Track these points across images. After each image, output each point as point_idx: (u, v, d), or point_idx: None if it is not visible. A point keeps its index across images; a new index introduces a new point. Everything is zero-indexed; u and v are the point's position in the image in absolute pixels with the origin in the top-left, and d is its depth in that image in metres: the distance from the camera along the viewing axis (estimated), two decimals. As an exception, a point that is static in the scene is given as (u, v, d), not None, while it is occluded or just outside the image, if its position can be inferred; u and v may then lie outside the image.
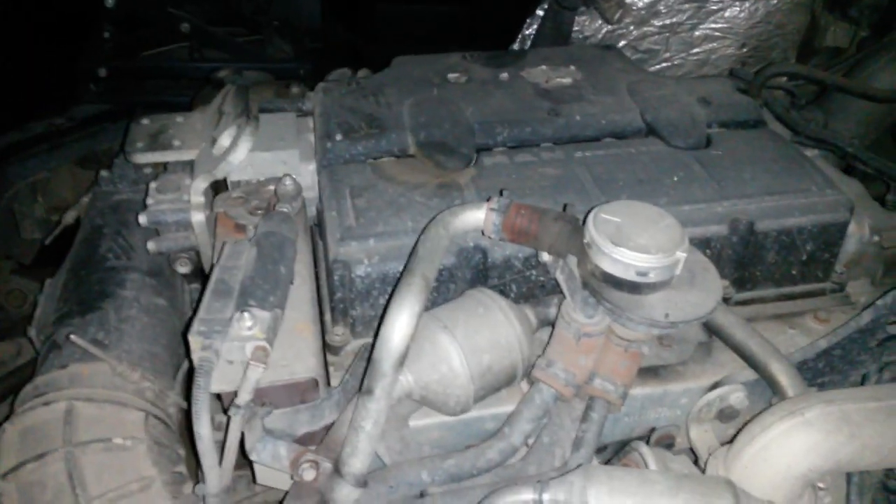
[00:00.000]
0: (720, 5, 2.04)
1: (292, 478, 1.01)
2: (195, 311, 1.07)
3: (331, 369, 1.22)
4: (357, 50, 3.49)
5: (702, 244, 1.27)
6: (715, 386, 1.18)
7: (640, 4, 1.96)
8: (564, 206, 1.12)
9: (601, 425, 1.08)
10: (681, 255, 0.98)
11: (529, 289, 1.26)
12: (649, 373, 1.20)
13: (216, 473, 1.03)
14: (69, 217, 1.84)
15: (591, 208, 1.05)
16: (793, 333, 1.30)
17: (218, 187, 1.50)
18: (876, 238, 1.43)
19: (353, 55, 3.45)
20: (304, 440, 1.08)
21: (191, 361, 1.03)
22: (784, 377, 1.09)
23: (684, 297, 1.01)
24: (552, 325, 1.14)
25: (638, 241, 0.98)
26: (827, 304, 1.37)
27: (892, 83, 1.73)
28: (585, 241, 1.02)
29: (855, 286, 1.43)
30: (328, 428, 1.08)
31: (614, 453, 1.19)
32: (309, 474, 1.00)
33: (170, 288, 1.53)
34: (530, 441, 1.10)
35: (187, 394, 1.41)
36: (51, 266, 1.81)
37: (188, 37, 2.59)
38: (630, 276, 0.98)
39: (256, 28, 2.87)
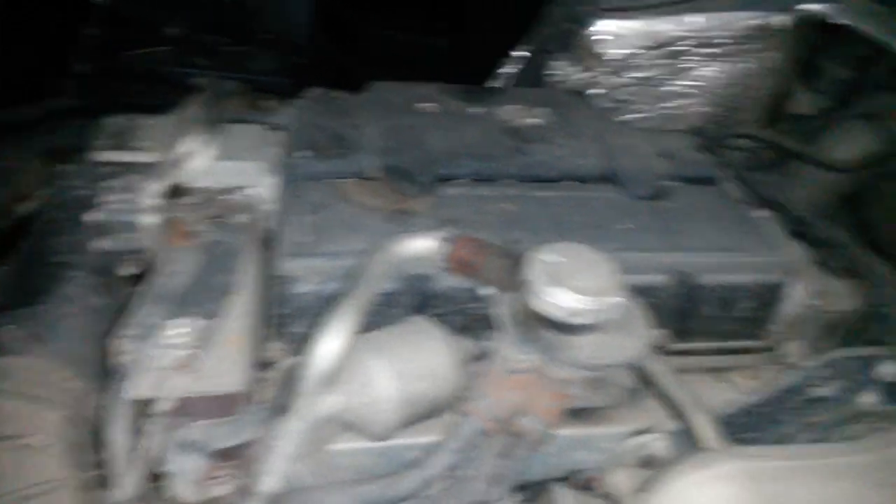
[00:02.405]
0: (694, 64, 2.10)
1: (204, 492, 1.00)
2: (128, 313, 1.06)
3: (263, 385, 1.21)
4: (344, 72, 3.53)
5: (644, 292, 1.29)
6: (640, 433, 1.19)
7: (616, 56, 2.01)
8: (510, 243, 1.14)
9: (523, 463, 1.09)
10: (614, 300, 1.00)
11: (471, 321, 1.27)
12: (576, 414, 1.20)
13: (128, 481, 1.02)
14: (26, 208, 1.83)
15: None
16: (723, 388, 1.32)
17: (178, 193, 1.50)
18: (814, 302, 1.46)
19: (341, 77, 3.49)
20: (223, 455, 1.07)
21: (115, 364, 1.03)
22: (705, 429, 1.11)
23: (613, 342, 1.02)
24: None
25: (573, 283, 0.99)
26: (760, 362, 1.40)
27: (847, 154, 1.78)
28: (525, 278, 1.03)
29: (790, 347, 1.45)
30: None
31: (534, 493, 1.19)
32: (221, 489, 0.99)
33: (113, 289, 1.52)
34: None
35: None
36: (2, 257, 1.80)
37: (174, 41, 2.61)
38: (562, 316, 0.99)
39: (244, 39, 2.90)
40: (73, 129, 2.23)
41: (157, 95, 2.52)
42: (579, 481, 1.17)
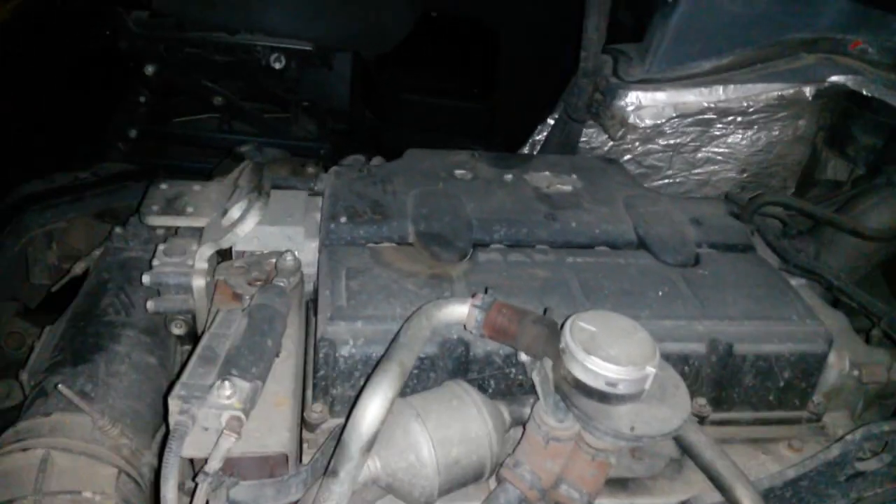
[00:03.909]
0: (723, 131, 2.14)
1: (250, 551, 1.01)
2: (179, 373, 1.10)
3: (305, 446, 1.24)
4: (378, 135, 3.65)
5: (680, 360, 1.30)
6: (682, 504, 1.18)
7: (646, 124, 2.07)
8: (545, 310, 1.16)
9: (564, 532, 1.08)
10: (651, 370, 1.01)
11: (508, 386, 1.29)
12: (618, 484, 1.20)
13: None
14: (79, 268, 1.90)
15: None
16: (765, 459, 1.30)
17: (224, 256, 1.56)
18: (855, 372, 1.45)
19: (375, 140, 3.61)
20: (268, 514, 1.09)
21: (167, 424, 1.06)
22: (747, 502, 1.10)
23: (652, 412, 1.03)
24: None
25: (610, 352, 1.01)
26: (802, 433, 1.38)
27: (880, 222, 1.79)
28: (561, 346, 1.05)
29: (834, 418, 1.44)
30: (293, 505, 1.09)
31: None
32: (266, 549, 1.00)
33: (163, 348, 1.57)
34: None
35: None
36: (54, 313, 1.87)
37: (219, 109, 2.73)
38: (600, 385, 1.01)
39: (285, 106, 3.03)
40: (123, 192, 2.34)
41: (204, 160, 2.66)
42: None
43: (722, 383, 1.34)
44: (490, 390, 1.28)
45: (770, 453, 1.31)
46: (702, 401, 1.35)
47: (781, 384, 1.36)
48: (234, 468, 1.08)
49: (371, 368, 1.23)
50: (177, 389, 1.07)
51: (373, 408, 0.99)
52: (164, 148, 2.73)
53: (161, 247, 1.51)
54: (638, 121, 2.02)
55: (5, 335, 2.13)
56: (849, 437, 1.15)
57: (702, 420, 1.35)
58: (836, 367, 1.43)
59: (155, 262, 1.48)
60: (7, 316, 2.19)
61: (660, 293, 1.41)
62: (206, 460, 1.04)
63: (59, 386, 1.26)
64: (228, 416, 1.04)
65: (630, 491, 1.20)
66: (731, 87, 1.99)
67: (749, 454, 1.31)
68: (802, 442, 1.33)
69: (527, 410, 1.21)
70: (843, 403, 1.46)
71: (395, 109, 3.78)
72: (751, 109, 2.10)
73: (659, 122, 2.03)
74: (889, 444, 1.18)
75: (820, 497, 1.19)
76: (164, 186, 1.70)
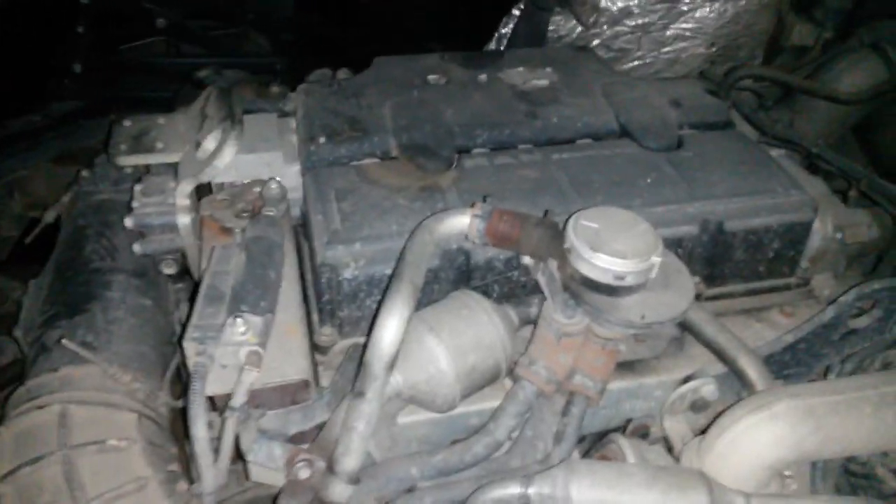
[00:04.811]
0: (690, 6, 2.10)
1: (287, 476, 1.05)
2: (189, 316, 1.10)
3: (319, 368, 1.26)
4: (332, 41, 3.48)
5: (674, 243, 1.33)
6: (687, 379, 1.24)
7: (618, 6, 2.01)
8: (545, 213, 1.17)
9: (581, 419, 1.14)
10: (655, 259, 1.03)
11: (511, 289, 1.31)
12: (625, 367, 1.26)
13: (212, 473, 1.06)
14: (49, 216, 1.84)
15: (571, 214, 1.10)
16: (760, 327, 1.37)
17: (201, 189, 1.52)
18: (839, 235, 1.50)
19: (329, 47, 3.45)
20: (296, 439, 1.11)
21: (186, 366, 1.07)
22: (752, 371, 1.16)
23: (658, 299, 1.06)
24: (533, 323, 1.19)
25: (615, 247, 1.03)
26: (792, 298, 1.45)
27: (853, 85, 1.80)
28: (566, 246, 1.07)
29: (819, 280, 1.50)
30: (319, 427, 1.12)
31: (592, 444, 1.24)
32: (303, 473, 1.04)
33: (155, 288, 1.55)
34: (514, 435, 1.15)
35: (177, 393, 1.45)
36: (27, 264, 1.81)
37: (164, 32, 2.58)
38: (608, 279, 1.03)
39: (232, 21, 2.87)
40: (79, 132, 2.23)
41: (155, 87, 2.53)
42: (635, 429, 1.23)
43: (714, 261, 1.38)
44: (494, 295, 1.30)
45: (764, 321, 1.38)
46: (696, 279, 1.39)
47: (771, 255, 1.40)
48: (257, 399, 1.10)
49: (376, 287, 1.24)
50: (190, 332, 1.06)
51: (391, 328, 1.00)
52: (113, 79, 2.58)
53: (138, 187, 1.46)
54: (610, 3, 1.96)
55: (-16, 293, 2.09)
56: (842, 298, 1.21)
57: (697, 297, 1.39)
58: (821, 231, 1.48)
59: (135, 204, 1.44)
60: (-19, 273, 2.13)
61: (648, 180, 1.42)
62: (229, 396, 1.06)
63: (63, 341, 1.24)
64: (247, 352, 1.04)
65: (637, 372, 1.25)
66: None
67: (745, 324, 1.37)
68: (794, 307, 1.40)
69: (533, 310, 1.24)
70: (828, 265, 1.52)
71: (345, 11, 3.59)
72: (718, -21, 2.06)
73: (630, 2, 1.98)
74: (878, 301, 1.24)
75: (816, 357, 1.25)
76: (127, 123, 1.63)
